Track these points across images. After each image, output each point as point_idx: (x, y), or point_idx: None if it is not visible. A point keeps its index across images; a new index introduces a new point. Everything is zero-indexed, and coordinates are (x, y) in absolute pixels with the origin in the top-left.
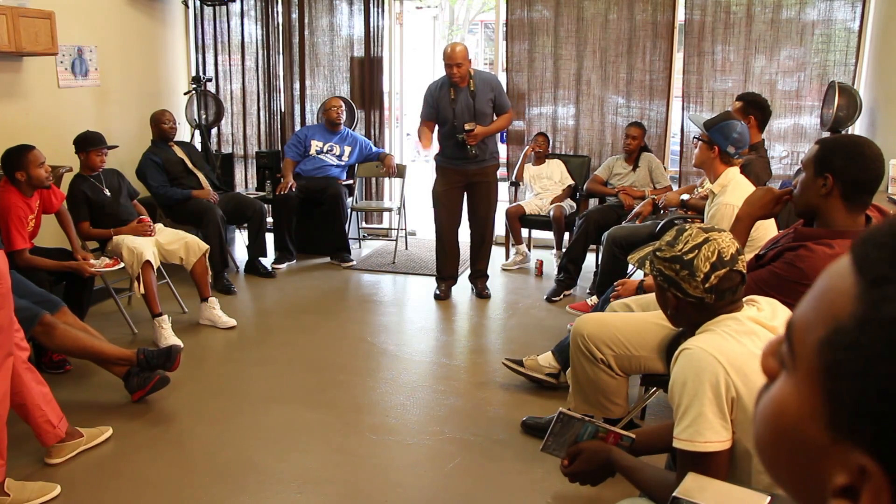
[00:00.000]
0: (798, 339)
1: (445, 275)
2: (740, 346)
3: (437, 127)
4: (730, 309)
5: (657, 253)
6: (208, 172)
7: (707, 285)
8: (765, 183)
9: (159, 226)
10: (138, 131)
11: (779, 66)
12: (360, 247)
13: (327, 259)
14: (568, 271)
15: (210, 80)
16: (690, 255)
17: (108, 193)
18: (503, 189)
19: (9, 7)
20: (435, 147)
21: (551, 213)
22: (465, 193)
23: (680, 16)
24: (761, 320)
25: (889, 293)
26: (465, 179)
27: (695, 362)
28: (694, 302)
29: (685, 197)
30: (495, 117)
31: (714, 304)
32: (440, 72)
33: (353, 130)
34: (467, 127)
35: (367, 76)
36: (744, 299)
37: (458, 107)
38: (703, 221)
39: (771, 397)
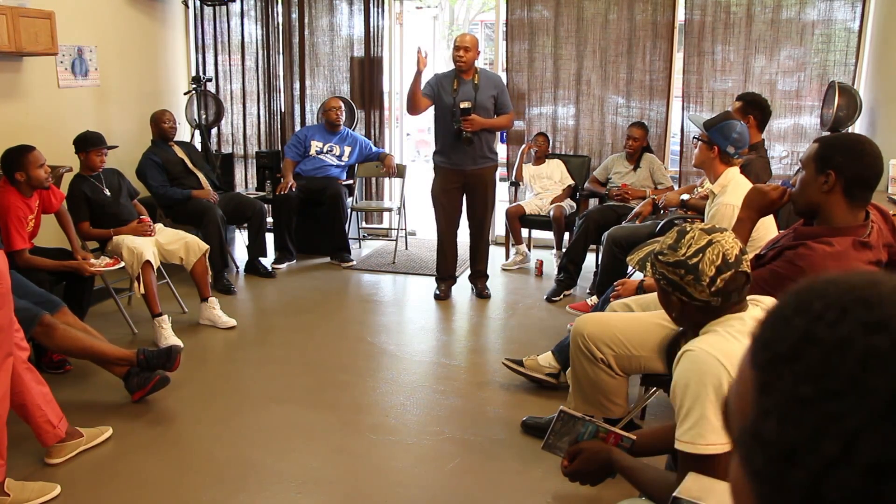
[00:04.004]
0: (731, 424)
1: (444, 275)
2: (743, 347)
3: (434, 126)
4: (735, 309)
5: (659, 257)
6: (208, 172)
7: (713, 289)
8: (765, 183)
9: (159, 226)
10: (138, 131)
11: (779, 66)
12: (360, 247)
13: (327, 259)
14: (568, 271)
15: (210, 80)
16: (695, 260)
17: (108, 193)
18: (503, 189)
19: (9, 7)
20: (429, 69)
21: (551, 213)
22: (464, 194)
23: (680, 16)
24: None
25: (769, 405)
26: (462, 180)
27: (697, 364)
28: (700, 305)
29: (685, 197)
30: (496, 117)
31: (720, 306)
32: (440, 71)
33: (353, 130)
34: (463, 105)
35: (367, 76)
36: (748, 298)
37: (459, 97)
38: (703, 221)
39: (731, 468)
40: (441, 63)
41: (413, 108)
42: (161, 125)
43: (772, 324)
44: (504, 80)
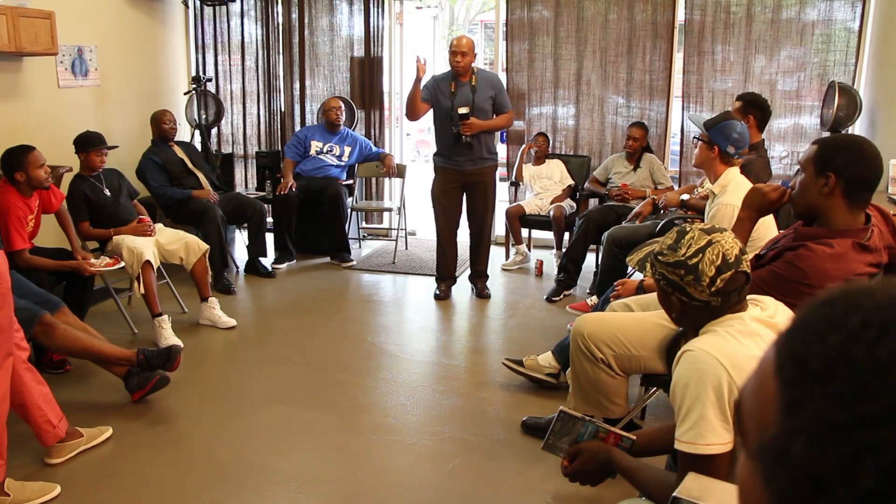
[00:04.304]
0: (745, 429)
1: (444, 275)
2: (743, 347)
3: (434, 128)
4: (735, 309)
5: (659, 257)
6: (208, 172)
7: (713, 289)
8: (765, 183)
9: (159, 226)
10: (138, 131)
11: (779, 66)
12: (360, 247)
13: (327, 259)
14: (568, 271)
15: (210, 80)
16: (695, 260)
17: (108, 193)
18: (503, 189)
19: (9, 7)
20: (429, 70)
21: (551, 213)
22: (464, 193)
23: (680, 16)
24: (765, 320)
25: (797, 426)
26: (462, 179)
27: (697, 364)
28: (700, 305)
29: (685, 197)
30: (494, 117)
31: (720, 307)
32: (440, 71)
33: (353, 130)
34: (461, 111)
35: (367, 76)
36: (748, 298)
37: (457, 100)
38: (703, 221)
39: (738, 471)
40: (441, 64)
41: (412, 113)
42: (161, 125)
43: (802, 337)
44: (504, 80)
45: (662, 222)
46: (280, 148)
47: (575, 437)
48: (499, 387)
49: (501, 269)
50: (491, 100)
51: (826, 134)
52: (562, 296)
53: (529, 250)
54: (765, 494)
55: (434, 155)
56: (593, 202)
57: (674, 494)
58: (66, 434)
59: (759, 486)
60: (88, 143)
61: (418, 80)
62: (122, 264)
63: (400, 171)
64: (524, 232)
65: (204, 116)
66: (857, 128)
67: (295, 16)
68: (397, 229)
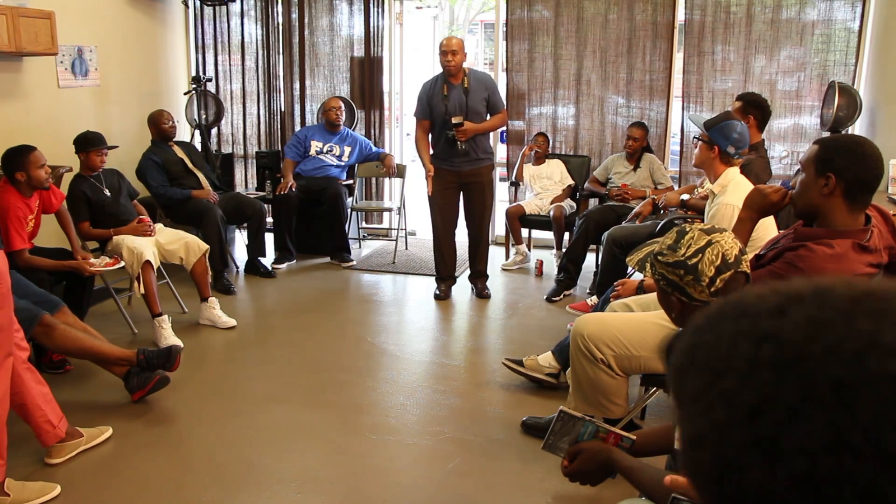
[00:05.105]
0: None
1: (444, 275)
2: None
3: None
4: None
5: (659, 257)
6: (208, 172)
7: (713, 289)
8: (765, 183)
9: (159, 226)
10: (138, 131)
11: (779, 66)
12: (360, 247)
13: (327, 259)
14: (568, 271)
15: (210, 80)
16: (694, 260)
17: (108, 193)
18: (503, 189)
19: (9, 7)
20: (429, 71)
21: (551, 213)
22: (462, 194)
23: (680, 16)
24: None
25: (683, 414)
26: (459, 180)
27: None
28: (699, 306)
29: (685, 197)
30: (488, 117)
31: None
32: (439, 71)
33: (353, 130)
34: (454, 120)
35: (367, 76)
36: None
37: (450, 103)
38: (703, 221)
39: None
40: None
41: (422, 151)
42: (161, 126)
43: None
44: (504, 81)
45: (662, 222)
46: (280, 148)
47: (575, 437)
48: (499, 387)
49: (501, 269)
50: (485, 101)
51: (826, 134)
52: (562, 296)
53: (529, 250)
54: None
55: (431, 156)
56: (593, 202)
57: (673, 494)
58: (66, 434)
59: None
60: (88, 143)
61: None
62: (122, 264)
63: (400, 171)
64: (524, 232)
65: (204, 116)
66: (857, 128)
67: (295, 16)
68: (397, 229)
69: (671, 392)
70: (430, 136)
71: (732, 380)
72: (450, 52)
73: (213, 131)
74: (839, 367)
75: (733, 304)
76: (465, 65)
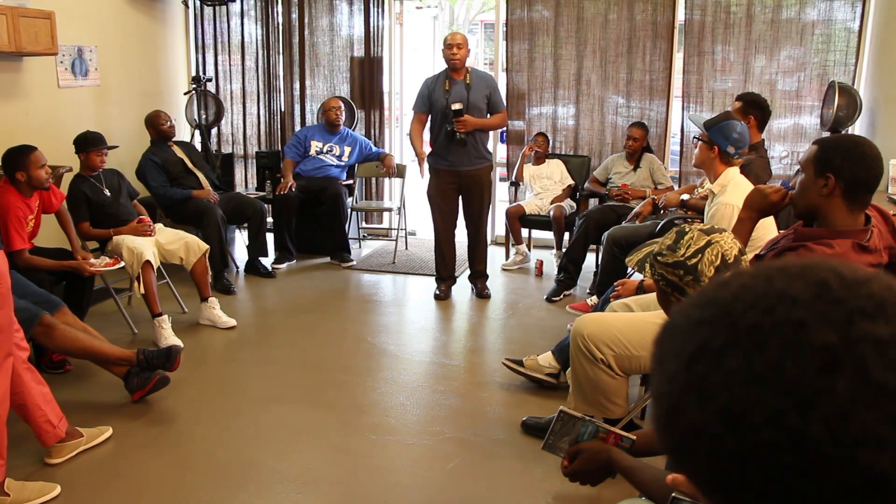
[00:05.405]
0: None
1: (444, 275)
2: None
3: (428, 121)
4: None
5: (658, 258)
6: (208, 172)
7: None
8: (765, 183)
9: (159, 226)
10: (138, 131)
11: (779, 66)
12: (360, 247)
13: (327, 259)
14: (568, 271)
15: (210, 80)
16: (694, 260)
17: (108, 193)
18: (503, 189)
19: (9, 7)
20: (429, 70)
21: (551, 213)
22: (460, 195)
23: (680, 16)
24: None
25: (653, 378)
26: (458, 181)
27: None
28: None
29: (685, 197)
30: (489, 116)
31: None
32: (440, 70)
33: (353, 130)
34: (455, 107)
35: (367, 76)
36: None
37: (451, 98)
38: (703, 221)
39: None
40: (440, 63)
41: (418, 146)
42: (159, 127)
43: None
44: (504, 81)
45: (662, 222)
46: (280, 148)
47: (575, 437)
48: (499, 387)
49: (501, 269)
50: (486, 98)
51: (826, 134)
52: (562, 296)
53: (529, 250)
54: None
55: (429, 156)
56: (593, 202)
57: (673, 494)
58: (66, 434)
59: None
60: (88, 143)
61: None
62: (122, 264)
63: (400, 171)
64: (524, 232)
65: (204, 116)
66: (857, 128)
67: (295, 16)
68: (397, 229)
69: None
70: (428, 131)
71: (680, 339)
72: (455, 46)
73: (213, 131)
74: (755, 316)
75: (701, 289)
76: (466, 63)
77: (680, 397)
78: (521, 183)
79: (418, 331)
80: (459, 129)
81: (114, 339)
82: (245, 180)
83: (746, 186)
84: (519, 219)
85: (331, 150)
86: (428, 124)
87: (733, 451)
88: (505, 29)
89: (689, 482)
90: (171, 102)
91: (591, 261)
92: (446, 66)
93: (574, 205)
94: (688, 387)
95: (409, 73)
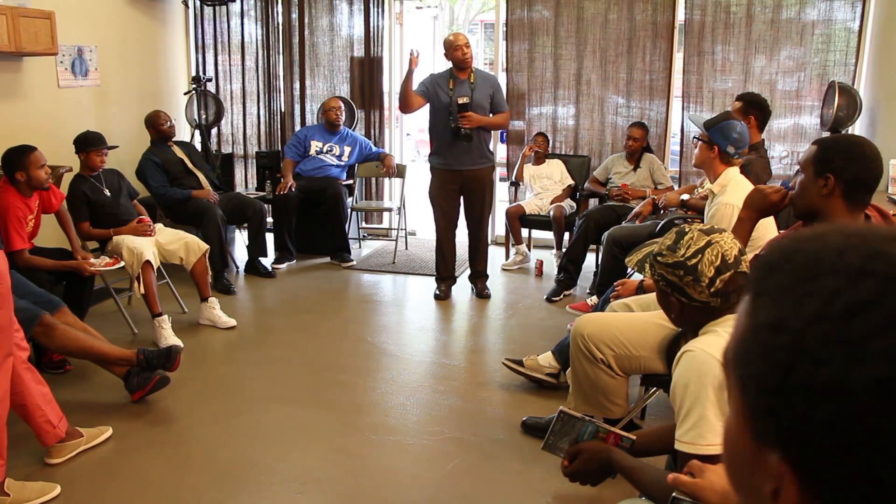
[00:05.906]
0: (724, 362)
1: (444, 275)
2: None
3: (430, 127)
4: (735, 310)
5: (658, 258)
6: (208, 172)
7: (712, 290)
8: (765, 183)
9: (159, 226)
10: (138, 131)
11: (779, 66)
12: (360, 247)
13: (327, 259)
14: (568, 271)
15: (210, 80)
16: (694, 261)
17: (108, 193)
18: (503, 189)
19: (9, 7)
20: (430, 69)
21: (551, 213)
22: (462, 195)
23: (680, 16)
24: None
25: (763, 303)
26: (460, 181)
27: (697, 364)
28: (699, 306)
29: (685, 197)
30: (491, 116)
31: (719, 307)
32: (438, 70)
33: (353, 130)
34: (461, 101)
35: (367, 76)
36: None
37: (455, 96)
38: (703, 221)
39: (725, 421)
40: (440, 63)
41: (405, 105)
42: (159, 127)
43: (773, 251)
44: (504, 81)
45: (662, 222)
46: (280, 148)
47: (575, 437)
48: (499, 387)
49: (501, 269)
50: (489, 98)
51: (826, 134)
52: (562, 296)
53: (529, 250)
54: (741, 414)
55: (430, 156)
56: (593, 202)
57: (674, 494)
58: (66, 434)
59: (737, 410)
60: (88, 143)
61: (410, 72)
62: (122, 264)
63: (400, 171)
64: (524, 232)
65: (204, 116)
66: (857, 128)
67: (295, 16)
68: (397, 229)
69: (749, 283)
70: (429, 131)
71: (835, 281)
72: (464, 46)
73: (213, 131)
74: None
75: (841, 226)
76: None
77: (820, 347)
78: (521, 183)
79: (418, 331)
80: (464, 124)
81: (114, 339)
82: (245, 180)
83: (746, 186)
84: (519, 219)
85: (331, 150)
86: (428, 125)
87: (879, 432)
88: (505, 29)
89: (756, 456)
90: (171, 102)
91: (591, 261)
92: (452, 66)
93: (574, 205)
94: (836, 341)
95: None
